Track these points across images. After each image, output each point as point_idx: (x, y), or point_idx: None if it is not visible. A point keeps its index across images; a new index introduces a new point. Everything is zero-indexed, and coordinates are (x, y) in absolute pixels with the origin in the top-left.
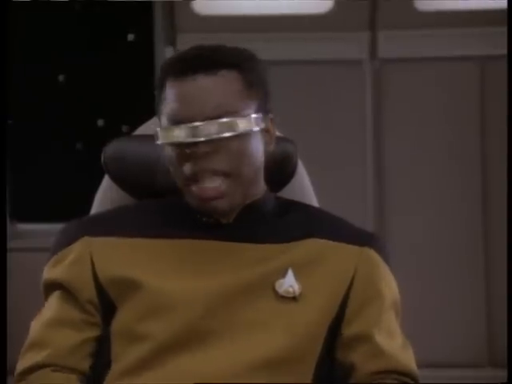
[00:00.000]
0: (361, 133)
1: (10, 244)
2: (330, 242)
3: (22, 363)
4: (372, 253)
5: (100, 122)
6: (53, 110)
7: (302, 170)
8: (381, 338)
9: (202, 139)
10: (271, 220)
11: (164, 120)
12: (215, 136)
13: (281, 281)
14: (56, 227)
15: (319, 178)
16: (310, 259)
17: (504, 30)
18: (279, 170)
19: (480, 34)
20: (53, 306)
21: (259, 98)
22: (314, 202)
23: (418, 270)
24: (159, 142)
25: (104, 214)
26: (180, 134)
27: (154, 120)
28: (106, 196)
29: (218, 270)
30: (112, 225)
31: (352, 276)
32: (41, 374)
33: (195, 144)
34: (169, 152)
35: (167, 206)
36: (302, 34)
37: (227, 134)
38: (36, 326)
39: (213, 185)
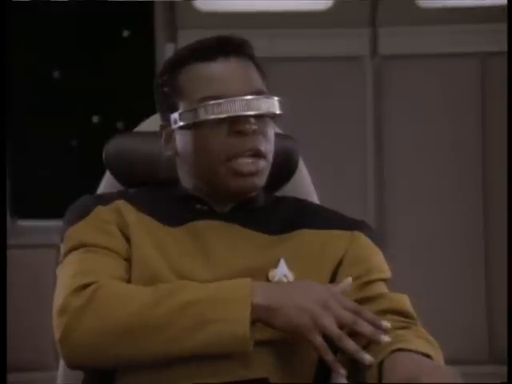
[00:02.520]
0: (361, 130)
1: (11, 241)
2: (321, 231)
3: (71, 285)
4: (362, 236)
5: (95, 119)
6: (48, 106)
7: (303, 168)
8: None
9: (264, 112)
10: (264, 213)
11: (189, 102)
12: (272, 110)
13: (274, 271)
14: (56, 224)
15: (319, 175)
16: (301, 249)
17: (505, 26)
18: (280, 167)
19: (481, 31)
20: (88, 251)
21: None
22: (314, 199)
23: (419, 269)
24: (209, 117)
25: (108, 192)
26: (234, 107)
27: (155, 117)
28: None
29: (210, 256)
30: (120, 197)
31: (342, 255)
32: (104, 283)
33: (247, 120)
34: (194, 134)
35: (164, 194)
36: (303, 30)
37: (277, 111)
38: (74, 264)
39: (251, 160)
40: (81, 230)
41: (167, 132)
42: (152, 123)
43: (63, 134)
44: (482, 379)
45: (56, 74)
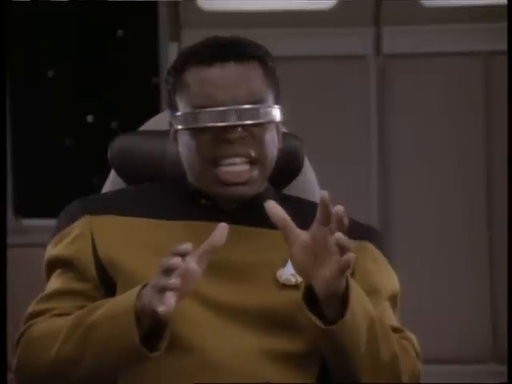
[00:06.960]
0: (365, 129)
1: (14, 240)
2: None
3: (25, 322)
4: (371, 247)
5: (89, 118)
6: (42, 105)
7: (308, 167)
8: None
9: (250, 122)
10: None
11: (185, 105)
12: (261, 120)
13: (281, 270)
14: None
15: (322, 174)
16: None
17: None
18: (285, 166)
19: (485, 30)
20: (55, 281)
21: (275, 93)
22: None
23: (422, 267)
24: (191, 126)
25: (105, 194)
26: (218, 117)
27: (159, 116)
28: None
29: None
30: (113, 204)
31: (352, 270)
32: (40, 321)
33: (232, 128)
34: (189, 136)
35: (168, 189)
36: (306, 29)
37: (268, 120)
38: (36, 301)
39: (240, 169)
40: (59, 245)
41: (173, 129)
42: (157, 122)
43: (57, 134)
44: (485, 378)
45: (50, 73)
